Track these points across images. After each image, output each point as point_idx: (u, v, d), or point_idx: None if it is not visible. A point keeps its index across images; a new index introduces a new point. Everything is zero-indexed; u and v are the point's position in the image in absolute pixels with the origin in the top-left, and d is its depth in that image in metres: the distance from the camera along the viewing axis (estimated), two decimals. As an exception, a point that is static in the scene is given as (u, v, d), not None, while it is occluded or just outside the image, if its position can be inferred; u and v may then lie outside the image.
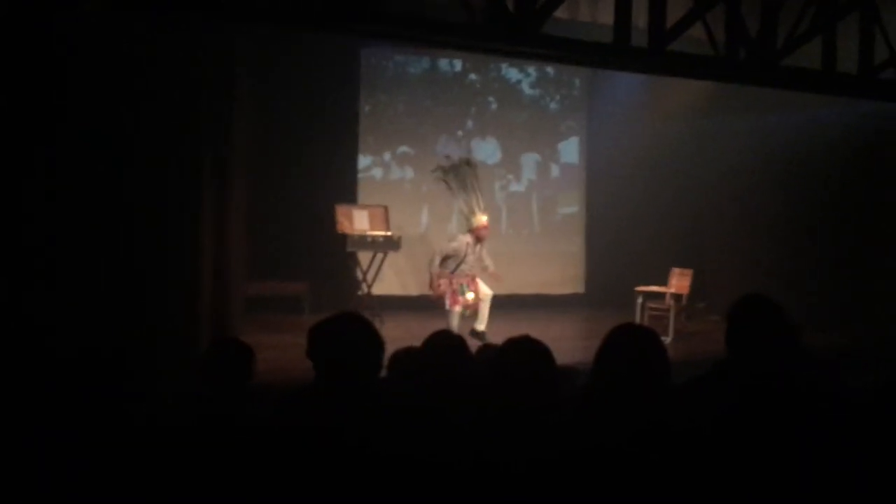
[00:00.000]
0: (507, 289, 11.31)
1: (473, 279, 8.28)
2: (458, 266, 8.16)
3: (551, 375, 2.42)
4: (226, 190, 6.38)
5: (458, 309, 8.08)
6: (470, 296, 8.13)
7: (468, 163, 8.83)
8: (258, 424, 2.45)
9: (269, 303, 9.82)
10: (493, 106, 11.81)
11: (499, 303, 10.78)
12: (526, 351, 2.45)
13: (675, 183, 11.26)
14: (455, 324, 8.01)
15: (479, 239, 8.13)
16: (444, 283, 8.09)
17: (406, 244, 10.09)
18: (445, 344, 2.75)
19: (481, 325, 8.20)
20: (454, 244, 8.19)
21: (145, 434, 2.23)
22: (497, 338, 8.12)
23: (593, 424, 2.31)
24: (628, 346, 2.37)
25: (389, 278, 10.65)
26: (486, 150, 11.60)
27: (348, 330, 2.46)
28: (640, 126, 11.34)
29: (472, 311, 8.22)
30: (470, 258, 8.19)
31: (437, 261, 8.10)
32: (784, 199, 10.05)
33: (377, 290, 10.01)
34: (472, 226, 8.27)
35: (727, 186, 10.79)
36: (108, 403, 2.28)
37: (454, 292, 8.08)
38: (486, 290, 8.26)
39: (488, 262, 8.26)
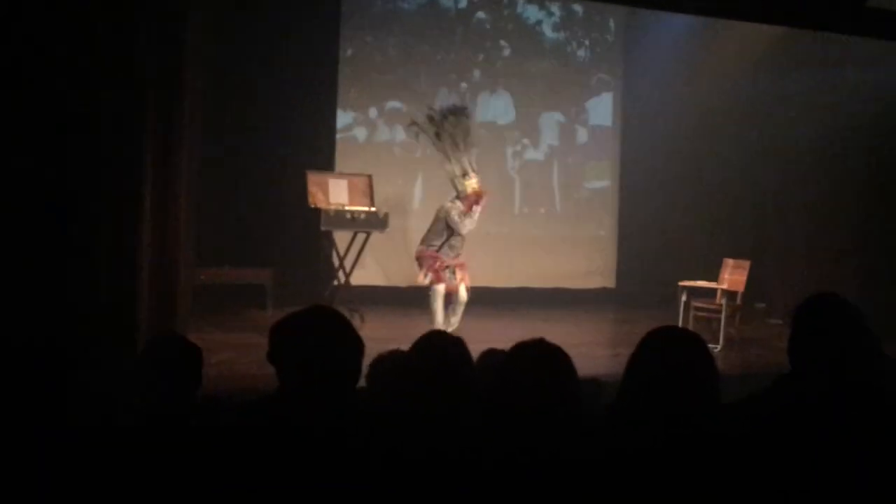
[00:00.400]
0: (520, 281, 11.42)
1: (462, 267, 8.32)
2: (446, 241, 8.22)
3: (571, 389, 2.42)
4: (171, 156, 6.38)
5: (441, 288, 8.10)
6: (450, 276, 8.23)
7: (459, 113, 8.72)
8: (205, 441, 2.45)
9: (224, 294, 9.85)
10: (507, 52, 11.78)
11: (509, 298, 10.88)
12: (539, 358, 2.45)
13: (729, 152, 11.26)
14: (439, 308, 8.00)
15: (470, 208, 8.18)
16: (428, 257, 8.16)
17: (395, 223, 10.09)
18: (440, 347, 2.75)
19: (456, 319, 8.28)
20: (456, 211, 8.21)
21: (82, 438, 2.26)
22: (504, 341, 8.11)
23: (620, 451, 2.32)
24: (667, 356, 2.37)
25: (372, 265, 10.67)
26: (497, 108, 11.59)
27: (320, 328, 2.46)
28: (687, 81, 11.32)
29: (432, 281, 8.32)
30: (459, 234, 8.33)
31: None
32: (866, 175, 10.06)
33: (357, 279, 10.03)
34: (462, 192, 8.30)
35: (795, 158, 10.79)
36: (37, 402, 2.33)
37: (437, 269, 8.15)
38: (464, 293, 8.28)
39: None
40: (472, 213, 8.22)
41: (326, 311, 2.56)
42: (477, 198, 8.20)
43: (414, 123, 8.88)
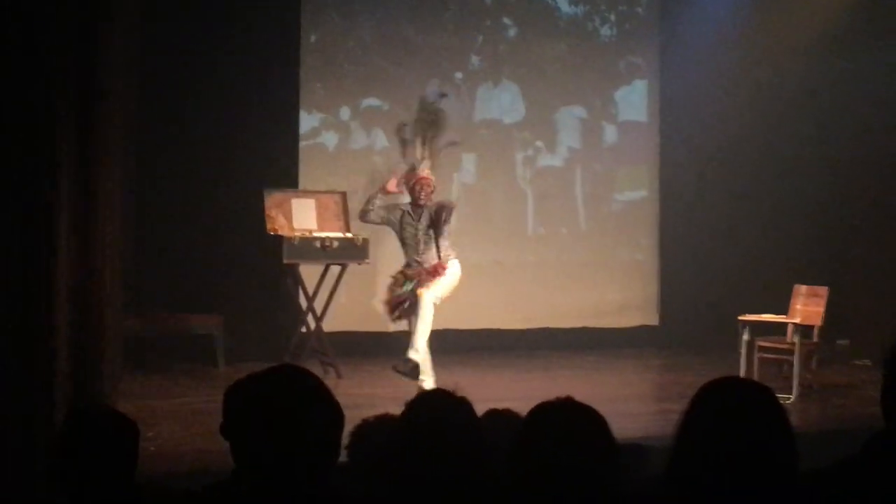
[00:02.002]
0: (537, 321, 11.41)
1: (430, 273, 8.56)
2: (406, 253, 8.73)
3: (608, 463, 2.41)
4: (93, 177, 6.39)
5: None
6: (407, 287, 8.56)
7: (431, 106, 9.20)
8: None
9: (164, 348, 9.82)
10: (512, 33, 11.85)
11: (524, 342, 10.86)
12: (566, 422, 2.43)
13: (799, 152, 11.28)
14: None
15: (416, 202, 8.66)
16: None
17: (376, 251, 10.10)
18: (439, 410, 2.74)
19: (414, 353, 8.46)
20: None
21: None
22: (518, 399, 8.11)
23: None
24: (729, 417, 2.36)
25: (350, 306, 10.66)
26: (502, 103, 11.64)
27: (286, 394, 2.45)
28: (741, 64, 11.37)
29: (397, 317, 8.70)
30: (408, 233, 8.63)
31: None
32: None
33: (331, 324, 10.02)
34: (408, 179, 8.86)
35: (886, 157, 10.81)
36: None
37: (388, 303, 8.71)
38: (427, 298, 8.47)
39: (443, 245, 8.53)
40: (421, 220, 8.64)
41: (294, 371, 2.56)
42: (417, 185, 8.70)
43: (403, 127, 9.15)
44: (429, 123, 9.00)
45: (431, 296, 8.44)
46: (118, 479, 2.92)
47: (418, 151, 8.86)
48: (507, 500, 2.41)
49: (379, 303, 8.97)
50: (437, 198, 8.77)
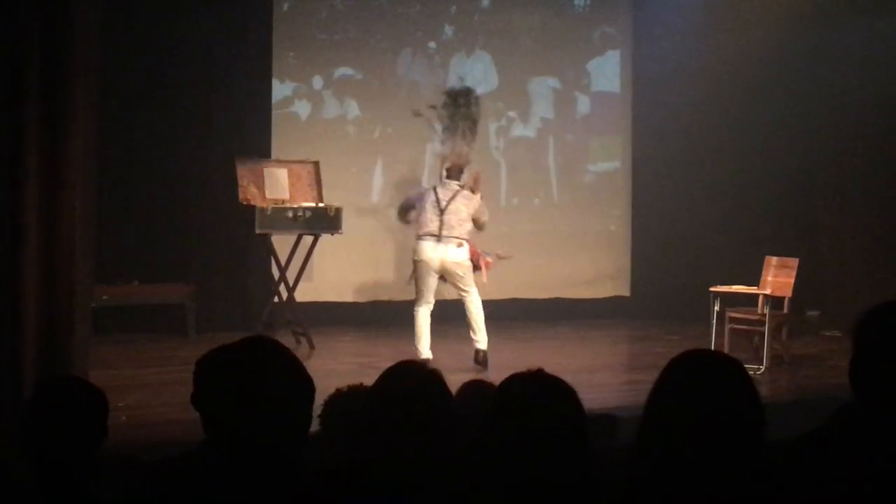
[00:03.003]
0: (509, 291, 11.42)
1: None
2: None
3: (577, 430, 2.42)
4: (60, 146, 6.33)
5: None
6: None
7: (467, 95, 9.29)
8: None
9: (135, 317, 9.79)
10: (486, 2, 11.83)
11: (497, 313, 10.87)
12: (536, 394, 2.44)
13: (771, 124, 11.32)
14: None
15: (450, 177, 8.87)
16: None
17: (350, 222, 10.09)
18: (411, 381, 2.75)
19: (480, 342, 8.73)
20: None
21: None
22: (493, 369, 8.18)
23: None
24: (697, 386, 2.38)
25: (322, 277, 10.66)
26: (475, 73, 11.61)
27: (257, 366, 2.45)
28: (714, 34, 11.38)
29: None
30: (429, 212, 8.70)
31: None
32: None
33: (303, 294, 10.01)
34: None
35: (856, 130, 10.87)
36: None
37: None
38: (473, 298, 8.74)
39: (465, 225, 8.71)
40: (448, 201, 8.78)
41: (266, 342, 2.55)
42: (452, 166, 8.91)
43: (419, 114, 9.41)
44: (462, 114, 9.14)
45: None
46: (87, 450, 2.91)
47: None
48: (478, 471, 2.41)
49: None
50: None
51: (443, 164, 8.95)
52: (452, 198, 8.62)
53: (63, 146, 6.31)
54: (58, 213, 6.30)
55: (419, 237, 8.58)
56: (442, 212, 8.55)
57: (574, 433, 2.42)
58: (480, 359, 8.59)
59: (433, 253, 8.54)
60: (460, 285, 8.73)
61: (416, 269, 8.61)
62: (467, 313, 8.72)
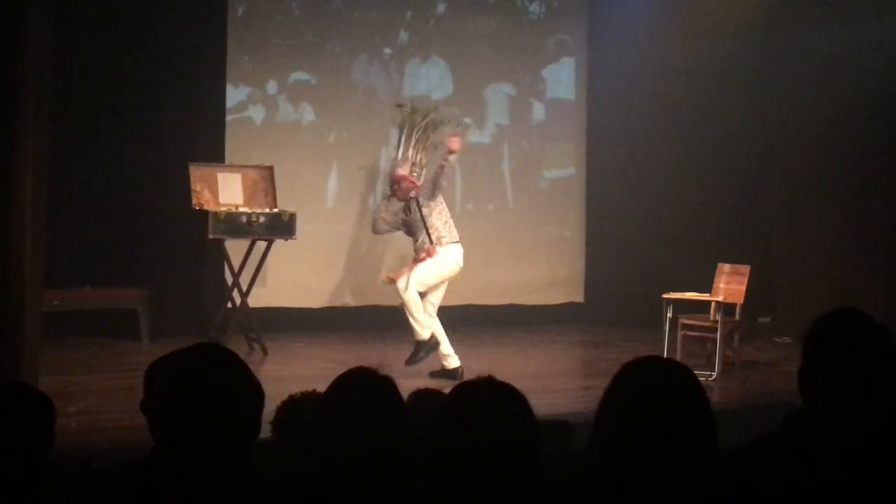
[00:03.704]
0: (464, 297, 11.41)
1: (414, 260, 8.64)
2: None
3: (528, 437, 2.43)
4: (12, 150, 6.27)
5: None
6: None
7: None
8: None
9: (86, 323, 9.70)
10: (441, 8, 11.83)
11: (451, 320, 10.86)
12: (486, 402, 2.44)
13: (723, 132, 11.42)
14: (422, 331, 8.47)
15: (394, 194, 8.80)
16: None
17: (304, 227, 10.05)
18: (363, 387, 2.75)
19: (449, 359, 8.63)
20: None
21: None
22: (442, 377, 8.19)
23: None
24: (648, 393, 2.39)
25: (276, 282, 10.61)
26: (430, 79, 11.63)
27: (207, 373, 2.44)
28: (669, 42, 11.46)
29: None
30: (408, 227, 8.74)
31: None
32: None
33: (257, 300, 9.97)
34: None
35: (808, 139, 10.98)
36: None
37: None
38: (399, 286, 8.53)
39: (432, 230, 8.59)
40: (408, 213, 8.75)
41: (215, 350, 2.55)
42: (395, 185, 8.81)
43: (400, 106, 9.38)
44: (423, 127, 9.14)
45: (402, 284, 8.45)
46: (33, 458, 2.88)
47: (400, 151, 9.02)
48: (428, 479, 2.41)
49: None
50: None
51: (411, 166, 8.91)
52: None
53: (13, 150, 6.25)
54: (8, 217, 6.24)
55: (453, 243, 8.62)
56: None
57: (525, 440, 2.42)
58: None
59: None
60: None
61: (445, 269, 8.57)
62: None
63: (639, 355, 2.53)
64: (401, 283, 8.43)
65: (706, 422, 2.38)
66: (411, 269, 8.50)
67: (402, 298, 8.41)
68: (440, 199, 8.67)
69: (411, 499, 2.42)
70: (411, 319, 8.41)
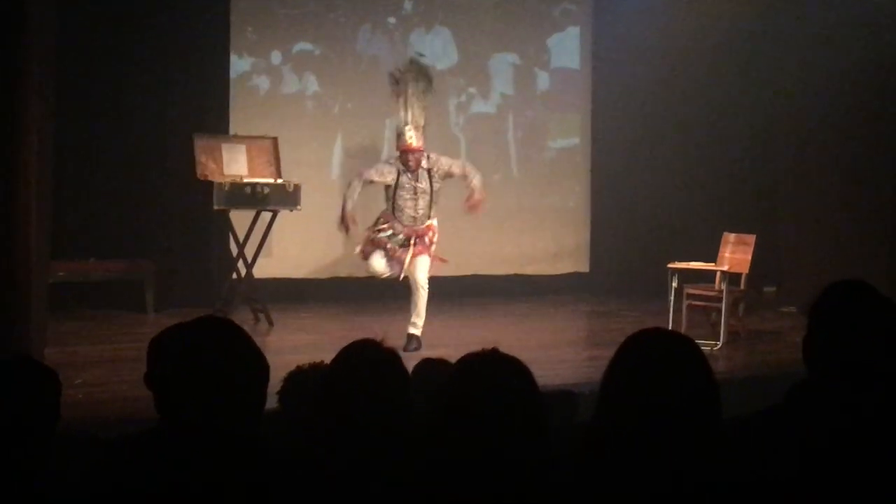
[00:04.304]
0: (470, 268, 11.43)
1: (420, 239, 8.56)
2: (391, 204, 8.60)
3: (532, 409, 2.43)
4: (15, 121, 6.27)
5: (376, 263, 8.54)
6: (395, 241, 8.52)
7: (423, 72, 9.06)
8: (64, 498, 2.40)
9: (92, 294, 9.72)
10: (446, -22, 11.76)
11: (457, 290, 10.89)
12: (491, 374, 2.44)
13: (729, 101, 11.38)
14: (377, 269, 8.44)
15: (406, 166, 8.59)
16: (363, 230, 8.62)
17: (308, 198, 10.04)
18: (368, 360, 2.74)
19: (414, 327, 8.49)
20: (381, 165, 8.78)
21: None
22: (451, 346, 8.19)
23: (598, 483, 2.33)
24: (652, 365, 2.39)
25: (281, 253, 10.62)
26: (435, 49, 11.57)
27: (211, 346, 2.43)
28: (674, 10, 11.40)
29: (365, 256, 8.61)
30: (406, 192, 8.56)
31: (357, 186, 8.63)
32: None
33: (262, 271, 9.97)
34: (398, 145, 8.79)
35: (814, 106, 10.93)
36: None
37: (372, 239, 8.59)
38: (421, 274, 8.50)
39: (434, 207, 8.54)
40: (416, 182, 8.62)
41: (220, 322, 2.55)
42: (408, 154, 8.59)
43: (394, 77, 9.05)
44: (415, 80, 8.89)
45: (425, 276, 8.50)
46: (39, 432, 2.88)
47: (402, 114, 8.78)
48: (433, 451, 2.42)
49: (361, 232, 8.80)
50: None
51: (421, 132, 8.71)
52: None
53: (17, 122, 6.26)
54: (13, 190, 6.25)
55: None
56: None
57: (529, 412, 2.43)
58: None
59: None
60: None
61: None
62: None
63: (644, 325, 2.53)
64: (423, 280, 8.49)
65: (710, 393, 2.39)
66: (421, 253, 8.51)
67: (424, 293, 8.48)
68: None
69: (415, 469, 2.43)
70: (422, 314, 8.46)
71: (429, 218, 8.62)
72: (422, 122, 8.71)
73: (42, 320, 7.32)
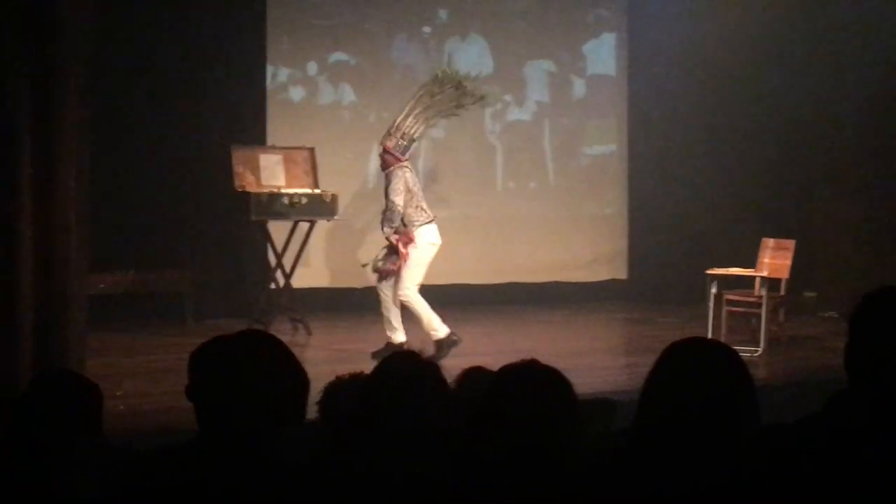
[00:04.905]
0: (507, 275, 11.43)
1: (389, 252, 8.39)
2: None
3: (571, 422, 2.42)
4: (55, 133, 6.32)
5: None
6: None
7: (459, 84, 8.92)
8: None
9: (131, 306, 9.78)
10: (480, -14, 11.78)
11: (494, 297, 10.89)
12: (529, 385, 2.44)
13: (765, 105, 11.31)
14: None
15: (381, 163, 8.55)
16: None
17: (346, 207, 10.08)
18: (407, 371, 2.75)
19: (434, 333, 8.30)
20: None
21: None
22: (489, 354, 8.17)
23: (637, 491, 2.32)
24: (692, 375, 2.38)
25: (318, 263, 10.65)
26: (470, 57, 11.58)
27: (252, 360, 2.44)
28: (710, 15, 11.34)
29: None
30: (420, 196, 8.44)
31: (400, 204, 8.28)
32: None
33: (300, 280, 10.01)
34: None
35: (849, 110, 10.85)
36: None
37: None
38: (403, 296, 8.32)
39: (407, 214, 8.33)
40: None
41: (261, 336, 2.56)
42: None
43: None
44: (449, 100, 8.78)
45: (403, 291, 8.22)
46: (81, 444, 2.90)
47: (405, 113, 8.58)
48: (472, 461, 2.42)
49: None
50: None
51: (399, 138, 8.44)
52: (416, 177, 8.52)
53: (56, 135, 6.30)
54: (52, 205, 6.29)
55: (427, 223, 8.29)
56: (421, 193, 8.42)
57: (568, 424, 2.42)
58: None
59: (438, 234, 8.37)
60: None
61: (428, 254, 8.29)
62: (392, 303, 8.32)
63: (682, 332, 2.52)
64: (400, 292, 8.21)
65: (750, 404, 2.38)
66: (401, 266, 8.23)
67: (407, 302, 8.23)
68: (411, 181, 8.33)
69: (453, 481, 2.43)
70: (423, 318, 8.26)
71: (382, 229, 8.37)
72: (411, 133, 8.48)
73: (83, 333, 7.37)
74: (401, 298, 8.22)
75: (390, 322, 8.29)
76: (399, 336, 8.24)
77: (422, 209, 8.30)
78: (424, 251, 8.29)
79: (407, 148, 8.43)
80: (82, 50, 6.66)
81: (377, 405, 2.67)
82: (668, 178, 11.71)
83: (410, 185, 8.29)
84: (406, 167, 8.37)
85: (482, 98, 9.14)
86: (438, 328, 8.25)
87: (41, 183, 6.17)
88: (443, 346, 8.18)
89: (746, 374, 2.40)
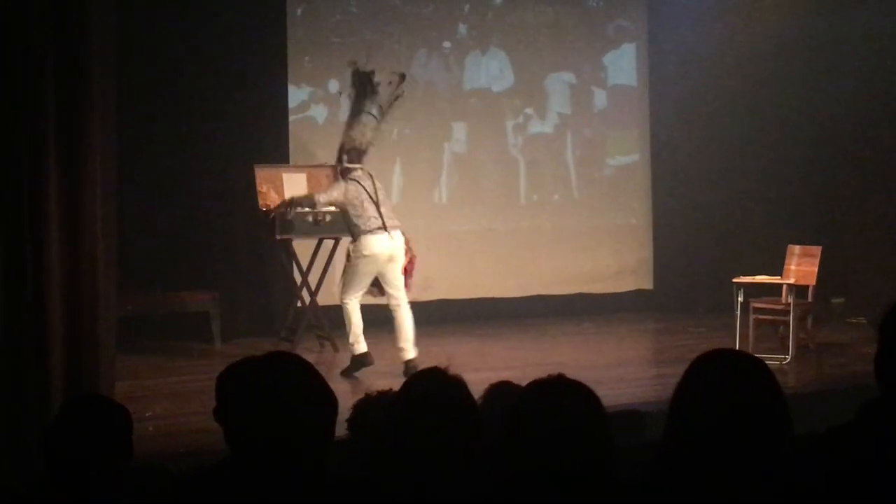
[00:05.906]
0: (532, 288, 11.42)
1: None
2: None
3: (599, 437, 2.42)
4: (81, 159, 6.37)
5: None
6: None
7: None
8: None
9: (159, 327, 9.81)
10: (499, 0, 11.79)
11: (520, 311, 10.87)
12: (557, 401, 2.43)
13: (789, 113, 11.27)
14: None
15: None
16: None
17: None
18: (436, 387, 2.75)
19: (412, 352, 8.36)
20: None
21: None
22: (514, 370, 8.16)
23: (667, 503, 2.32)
24: (722, 388, 2.37)
25: (345, 279, 10.64)
26: (491, 71, 11.61)
27: (280, 382, 2.43)
28: (730, 24, 11.34)
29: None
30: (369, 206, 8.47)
31: None
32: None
33: (326, 298, 10.01)
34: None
35: (874, 115, 10.80)
36: None
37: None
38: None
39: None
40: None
41: (289, 359, 2.55)
42: None
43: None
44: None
45: (340, 298, 8.46)
46: (112, 468, 2.91)
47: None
48: (501, 479, 2.41)
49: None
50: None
51: (342, 147, 8.71)
52: (375, 185, 8.56)
53: (81, 157, 6.35)
54: (80, 224, 6.34)
55: (366, 232, 8.31)
56: (377, 203, 8.42)
57: (596, 439, 2.42)
58: (412, 369, 8.00)
59: (384, 246, 8.31)
60: (397, 283, 8.46)
61: (362, 265, 8.34)
62: (399, 321, 8.41)
63: (710, 341, 2.53)
64: (340, 299, 8.40)
65: (779, 414, 2.37)
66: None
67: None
68: (354, 191, 8.44)
69: (483, 496, 2.42)
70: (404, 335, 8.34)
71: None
72: (361, 142, 8.78)
73: (111, 355, 7.41)
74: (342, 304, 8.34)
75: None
76: (361, 346, 8.37)
77: (373, 218, 8.34)
78: (360, 260, 8.34)
79: (361, 154, 8.71)
80: (107, 71, 6.71)
81: (405, 422, 2.67)
82: (692, 186, 11.68)
83: (352, 196, 8.40)
84: (354, 179, 8.50)
85: (400, 95, 9.31)
86: (359, 345, 8.34)
87: (68, 205, 6.21)
88: (357, 363, 8.27)
89: (775, 384, 2.39)
